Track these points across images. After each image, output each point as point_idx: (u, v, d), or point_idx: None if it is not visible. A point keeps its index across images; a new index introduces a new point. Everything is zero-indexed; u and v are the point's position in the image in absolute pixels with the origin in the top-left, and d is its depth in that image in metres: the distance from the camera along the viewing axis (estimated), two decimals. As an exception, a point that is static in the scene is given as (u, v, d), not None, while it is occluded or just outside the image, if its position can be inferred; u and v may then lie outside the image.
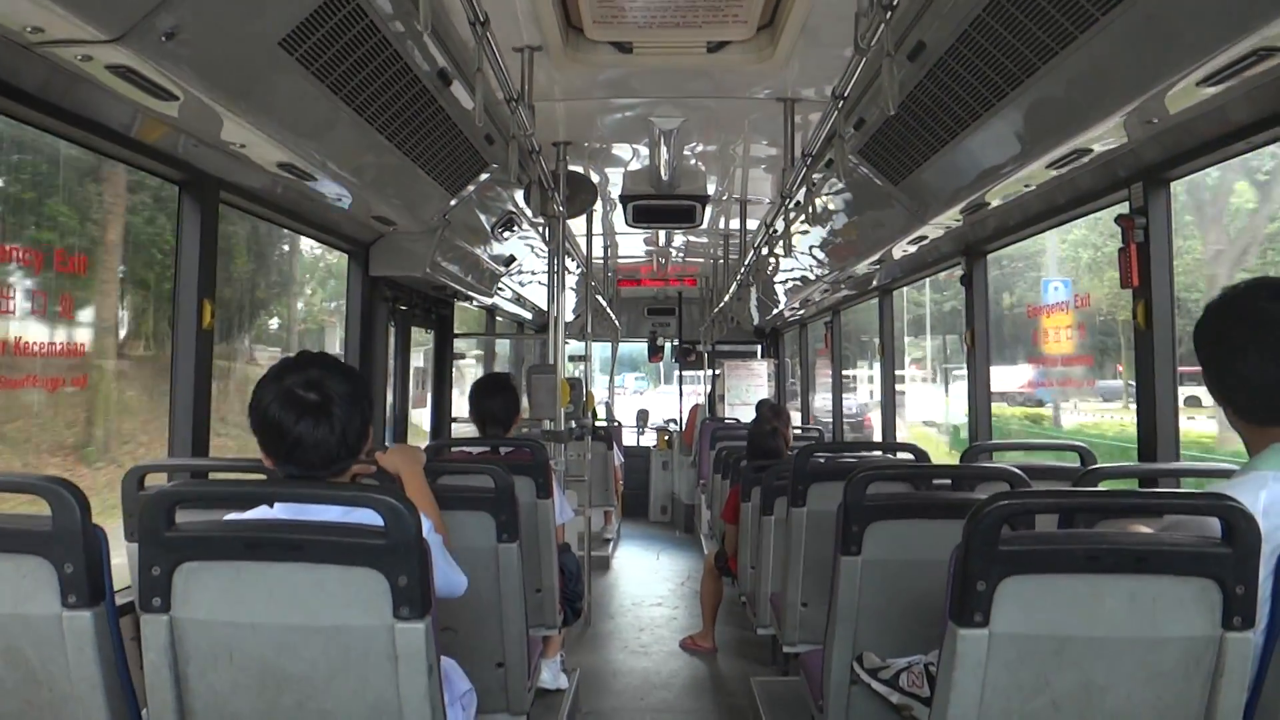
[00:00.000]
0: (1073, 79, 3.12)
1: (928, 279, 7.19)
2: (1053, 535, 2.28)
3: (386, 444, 6.01)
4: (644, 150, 5.96)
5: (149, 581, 2.07)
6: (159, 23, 2.44)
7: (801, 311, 10.74)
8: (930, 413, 12.25)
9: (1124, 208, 3.76)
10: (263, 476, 3.12)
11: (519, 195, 6.22)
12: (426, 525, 2.40)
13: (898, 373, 7.89)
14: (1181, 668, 2.03)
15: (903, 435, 8.31)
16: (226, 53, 2.82)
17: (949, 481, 3.94)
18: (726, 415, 12.44)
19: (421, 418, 7.37)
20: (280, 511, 2.34)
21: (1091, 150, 3.52)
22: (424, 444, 5.98)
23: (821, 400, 11.51)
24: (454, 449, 4.82)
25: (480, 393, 4.97)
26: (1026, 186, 4.13)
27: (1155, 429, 3.66)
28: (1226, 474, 2.26)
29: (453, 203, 5.34)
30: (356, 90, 3.49)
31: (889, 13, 2.67)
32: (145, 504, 2.08)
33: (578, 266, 8.67)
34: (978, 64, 3.41)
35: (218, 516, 2.31)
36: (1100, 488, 3.03)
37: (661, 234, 9.32)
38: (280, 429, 2.33)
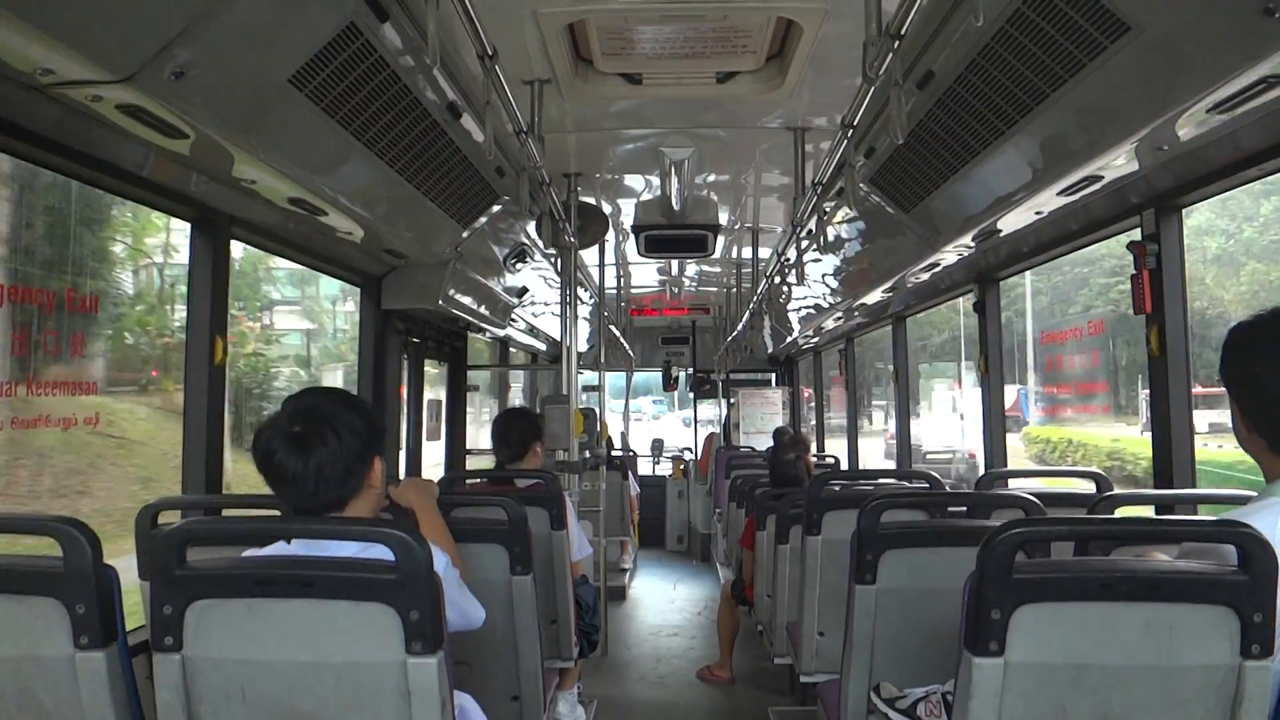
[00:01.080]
0: (1082, 107, 3.12)
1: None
2: (1067, 563, 2.26)
3: (400, 477, 6.01)
4: (655, 180, 5.98)
5: (161, 620, 2.07)
6: (168, 62, 2.47)
7: (815, 339, 10.72)
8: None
9: (1136, 234, 3.75)
10: (277, 513, 3.13)
11: (531, 226, 6.24)
12: (442, 559, 2.40)
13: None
14: (1200, 696, 2.00)
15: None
16: (236, 90, 2.85)
17: (965, 509, 3.92)
18: (742, 444, 12.42)
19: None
20: (298, 548, 2.34)
21: (1103, 177, 3.52)
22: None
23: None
24: (468, 481, 4.83)
25: (497, 422, 5.04)
26: (1038, 213, 4.13)
27: (1171, 454, 3.63)
28: (1245, 500, 2.23)
29: (464, 235, 5.36)
30: (366, 125, 3.51)
31: (897, 42, 2.67)
32: (157, 543, 2.09)
33: (591, 297, 8.69)
34: (987, 92, 3.41)
35: (235, 553, 2.32)
36: (1117, 514, 3.02)
37: (674, 263, 9.34)
38: (265, 459, 2.35)
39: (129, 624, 2.16)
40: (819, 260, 6.97)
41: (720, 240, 7.42)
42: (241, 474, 4.35)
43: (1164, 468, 3.67)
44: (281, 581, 2.09)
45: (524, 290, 7.88)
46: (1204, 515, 3.25)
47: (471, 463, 7.76)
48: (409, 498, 2.93)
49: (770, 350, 13.07)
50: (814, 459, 8.07)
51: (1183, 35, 2.58)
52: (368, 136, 3.59)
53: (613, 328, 10.00)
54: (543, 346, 10.73)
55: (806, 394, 13.22)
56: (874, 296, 7.01)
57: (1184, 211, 3.64)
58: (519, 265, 7.02)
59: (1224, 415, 2.26)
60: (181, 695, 2.08)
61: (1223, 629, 1.97)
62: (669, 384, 14.52)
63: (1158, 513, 3.51)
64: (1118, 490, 3.64)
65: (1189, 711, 2.01)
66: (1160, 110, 2.84)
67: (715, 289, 11.16)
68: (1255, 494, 2.18)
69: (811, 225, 5.08)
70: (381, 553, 2.12)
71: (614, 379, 14.37)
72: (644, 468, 13.87)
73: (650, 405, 33.13)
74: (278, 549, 2.35)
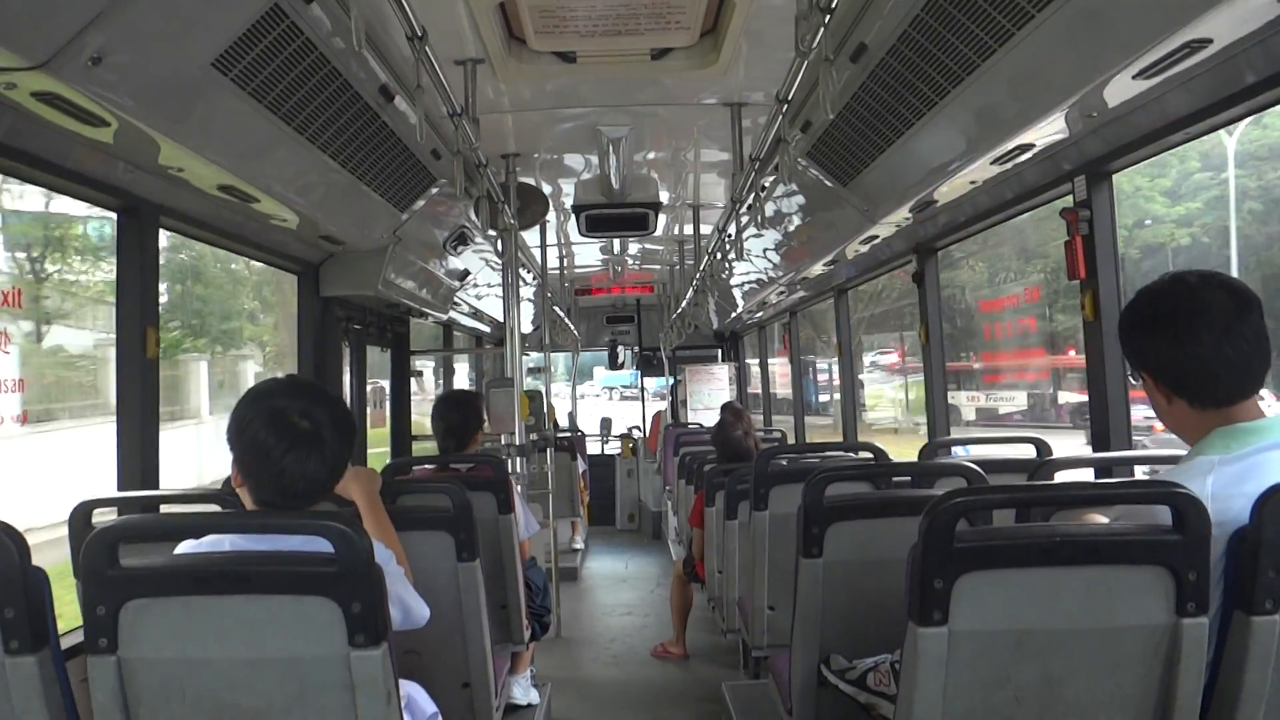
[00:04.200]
0: (1013, 75, 3.14)
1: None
2: (1007, 530, 2.29)
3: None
4: (594, 159, 5.95)
5: (94, 622, 2.02)
6: (84, 47, 2.39)
7: (759, 314, 10.76)
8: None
9: (1069, 201, 3.79)
10: (215, 508, 3.07)
11: (470, 209, 6.18)
12: (385, 554, 2.36)
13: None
14: (1139, 656, 2.04)
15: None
16: (157, 76, 2.76)
17: (909, 479, 3.95)
18: (689, 420, 12.44)
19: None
20: (238, 541, 2.28)
21: (1034, 145, 3.55)
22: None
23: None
24: (415, 467, 4.79)
25: (437, 407, 5.00)
26: (973, 183, 4.16)
27: (1107, 418, 3.69)
28: (1178, 461, 2.29)
29: (403, 218, 5.29)
30: (296, 109, 3.44)
31: (828, 15, 2.67)
32: (86, 544, 2.03)
33: (534, 278, 8.63)
34: (919, 63, 3.42)
35: (171, 549, 2.27)
36: (1057, 479, 3.06)
37: (616, 242, 9.31)
38: (268, 455, 2.29)
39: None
40: (760, 235, 6.98)
41: (661, 218, 7.41)
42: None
43: (1100, 431, 3.72)
44: (218, 578, 2.05)
45: (466, 273, 7.81)
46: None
47: (417, 448, 7.70)
48: (351, 490, 2.88)
49: (715, 326, 13.10)
50: (760, 433, 8.12)
51: (1109, 1, 2.60)
52: (298, 121, 3.52)
53: (557, 308, 9.94)
54: (487, 329, 10.66)
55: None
56: (815, 270, 7.05)
57: (1114, 177, 3.69)
58: (460, 248, 6.95)
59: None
60: (118, 698, 2.04)
61: (1159, 589, 2.01)
62: (615, 363, 14.50)
63: (1096, 476, 3.57)
64: (1057, 455, 3.70)
65: (1129, 671, 2.05)
66: (1088, 77, 2.87)
67: (659, 267, 11.15)
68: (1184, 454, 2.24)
69: (751, 200, 5.08)
70: (323, 545, 2.08)
71: (563, 360, 14.34)
72: (592, 447, 13.86)
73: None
74: (215, 542, 2.30)
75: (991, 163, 3.76)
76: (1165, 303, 2.20)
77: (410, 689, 2.69)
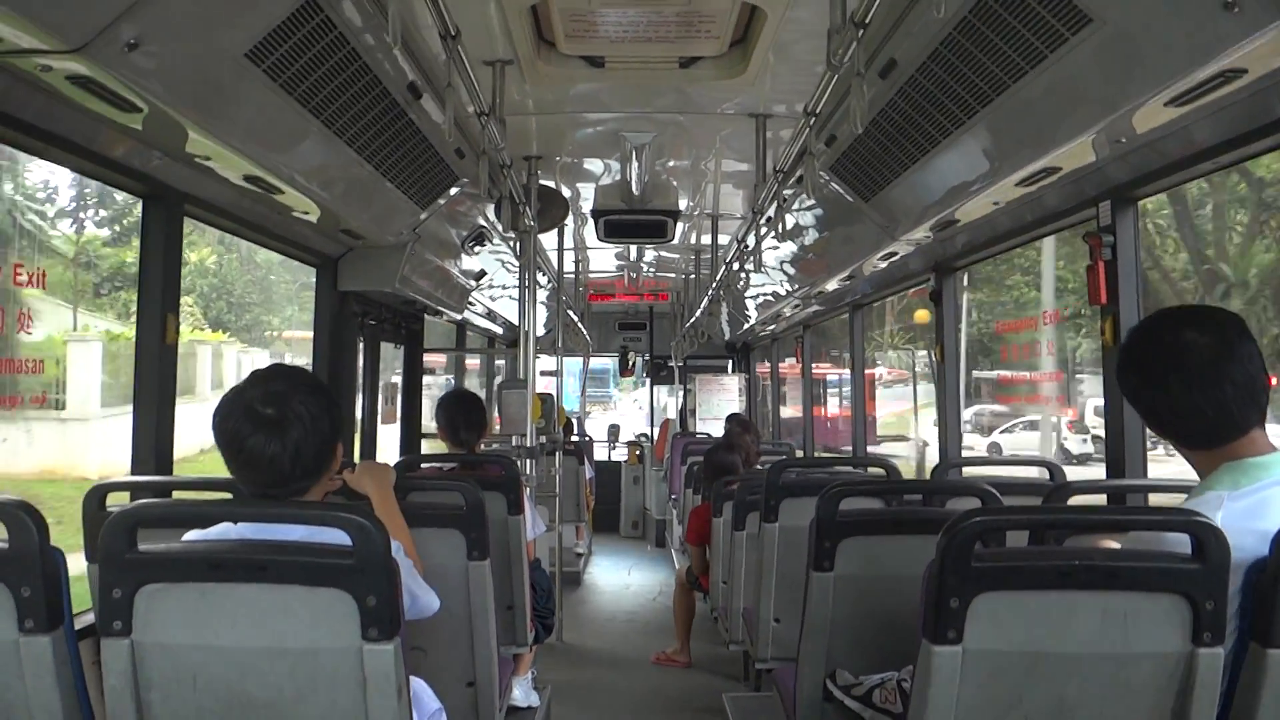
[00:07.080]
0: (1042, 98, 3.14)
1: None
2: (1025, 551, 2.29)
3: (356, 461, 5.94)
4: (615, 165, 5.95)
5: (109, 604, 2.03)
6: (121, 33, 2.40)
7: (772, 327, 10.76)
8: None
9: (1092, 225, 3.78)
10: (229, 495, 3.08)
11: (490, 209, 6.19)
12: (395, 546, 2.36)
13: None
14: (1153, 683, 2.03)
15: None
16: (191, 64, 2.77)
17: (920, 497, 3.94)
18: (698, 430, 12.43)
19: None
20: (245, 530, 2.29)
21: (1060, 169, 3.54)
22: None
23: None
24: (425, 465, 4.80)
25: (454, 408, 5.00)
26: (995, 204, 4.15)
27: (1123, 445, 3.67)
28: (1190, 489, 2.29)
29: (423, 216, 5.30)
30: (325, 103, 3.45)
31: (861, 30, 2.67)
32: (105, 526, 2.04)
33: (549, 281, 8.64)
34: (949, 82, 3.42)
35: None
36: (1070, 503, 3.05)
37: (633, 249, 9.32)
38: (234, 442, 2.29)
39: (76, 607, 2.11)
40: (777, 248, 6.99)
41: (679, 226, 7.41)
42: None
43: (1116, 457, 3.71)
44: (235, 565, 2.05)
45: (482, 273, 7.82)
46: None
47: (427, 446, 7.70)
48: (364, 483, 2.88)
49: (727, 337, 13.09)
50: (767, 446, 8.13)
51: (1143, 28, 2.59)
52: (326, 114, 3.53)
53: (570, 312, 9.94)
54: (499, 330, 10.66)
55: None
56: (831, 284, 7.04)
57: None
58: (477, 248, 6.96)
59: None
60: (130, 681, 2.04)
61: (1175, 617, 2.00)
62: (625, 369, 14.50)
63: (1109, 502, 3.56)
64: (1072, 480, 3.68)
65: (1142, 699, 2.04)
66: (1119, 103, 2.86)
67: (673, 275, 11.15)
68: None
69: (771, 212, 5.08)
70: (329, 537, 2.08)
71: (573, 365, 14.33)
72: (599, 453, 13.84)
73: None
74: (223, 531, 2.31)
75: (1016, 184, 3.75)
76: (1139, 347, 2.22)
77: (416, 685, 2.68)
